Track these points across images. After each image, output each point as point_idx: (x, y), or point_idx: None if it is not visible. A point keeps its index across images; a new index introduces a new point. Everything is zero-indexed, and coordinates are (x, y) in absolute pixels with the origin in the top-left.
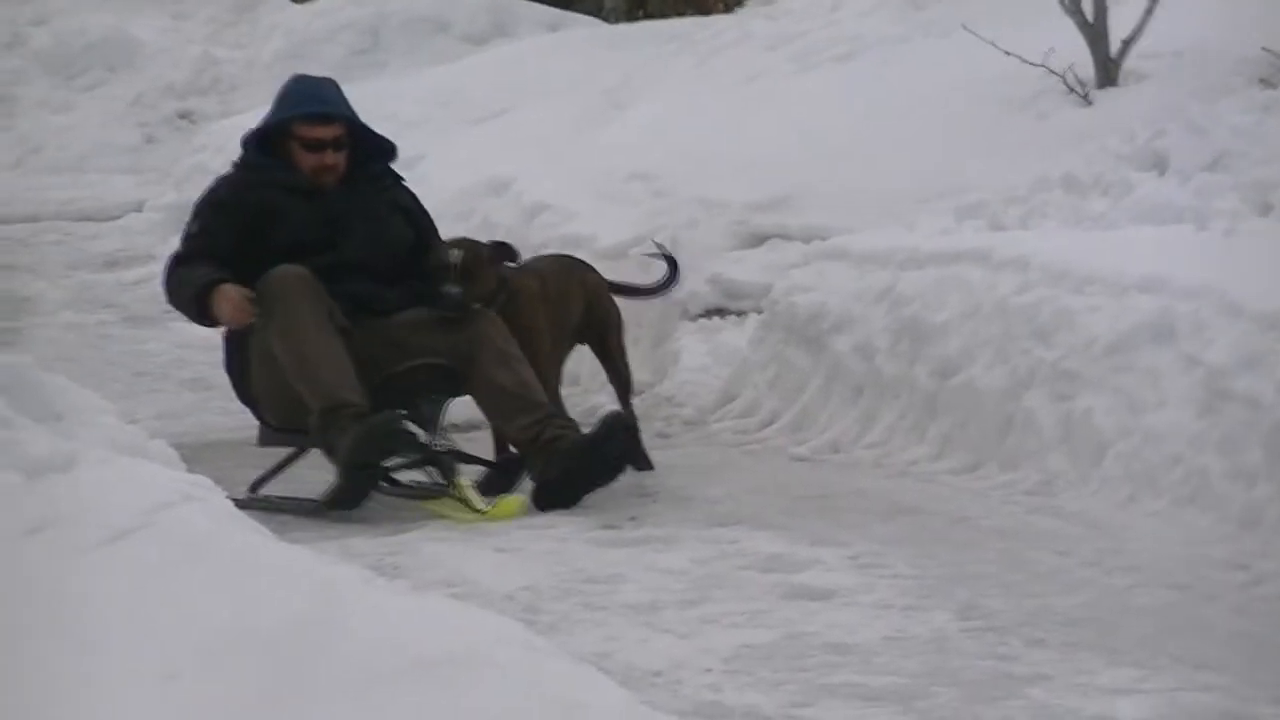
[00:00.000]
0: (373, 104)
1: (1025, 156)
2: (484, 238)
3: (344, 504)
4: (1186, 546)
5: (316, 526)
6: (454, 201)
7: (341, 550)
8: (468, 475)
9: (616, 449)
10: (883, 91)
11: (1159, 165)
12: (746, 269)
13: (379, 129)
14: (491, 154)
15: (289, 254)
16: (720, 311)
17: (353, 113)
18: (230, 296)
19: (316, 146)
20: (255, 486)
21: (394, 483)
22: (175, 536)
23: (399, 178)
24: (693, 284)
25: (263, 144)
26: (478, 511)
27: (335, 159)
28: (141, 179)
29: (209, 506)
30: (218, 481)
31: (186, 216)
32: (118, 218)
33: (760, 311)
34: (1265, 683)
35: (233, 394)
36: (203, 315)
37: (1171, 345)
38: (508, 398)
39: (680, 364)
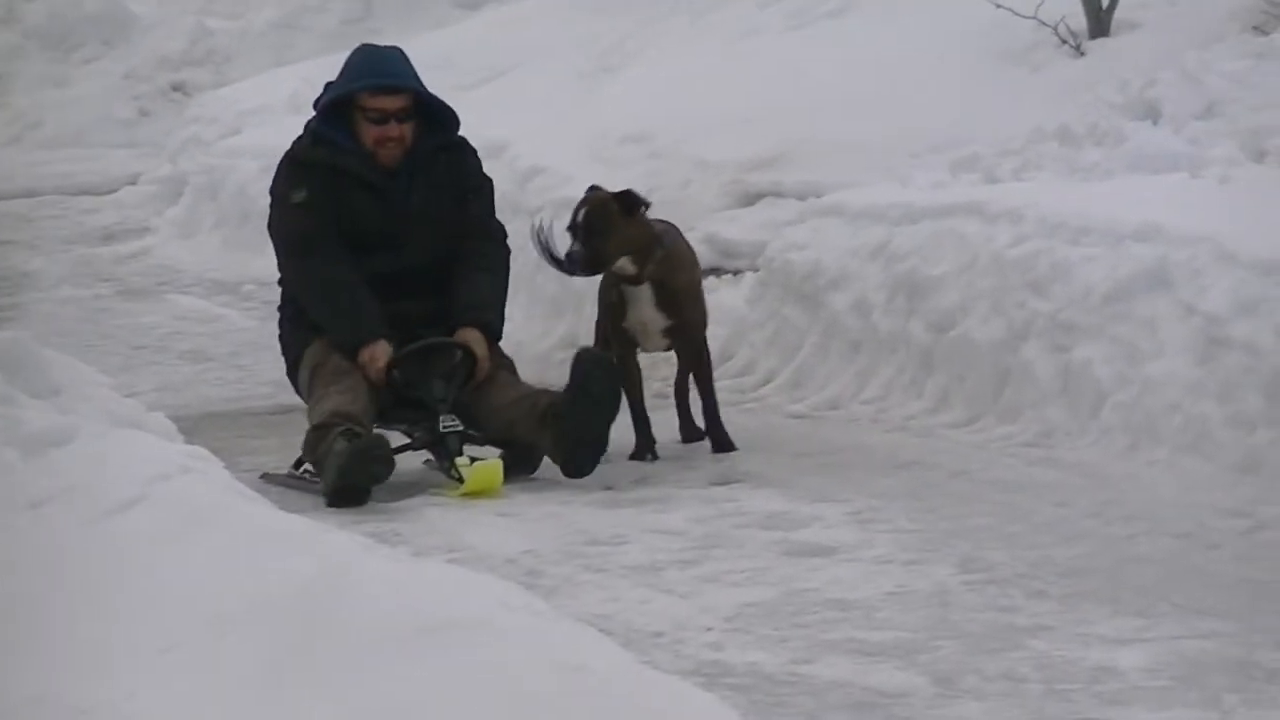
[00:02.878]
0: None
1: (1019, 108)
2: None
3: (339, 505)
4: (1187, 494)
5: (315, 496)
6: None
7: (342, 519)
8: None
9: (598, 384)
10: (875, 47)
11: (1152, 114)
12: (742, 228)
13: None
14: (486, 118)
15: (353, 249)
16: (716, 270)
17: (419, 82)
18: (374, 367)
19: (381, 118)
20: (298, 463)
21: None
22: (175, 508)
23: (463, 149)
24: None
25: (330, 115)
26: (460, 486)
27: (400, 130)
28: (137, 152)
29: (208, 477)
30: (216, 452)
31: (183, 189)
32: (114, 191)
33: (756, 270)
34: (1268, 628)
35: (229, 364)
36: (342, 342)
37: (1168, 293)
38: (509, 408)
39: None
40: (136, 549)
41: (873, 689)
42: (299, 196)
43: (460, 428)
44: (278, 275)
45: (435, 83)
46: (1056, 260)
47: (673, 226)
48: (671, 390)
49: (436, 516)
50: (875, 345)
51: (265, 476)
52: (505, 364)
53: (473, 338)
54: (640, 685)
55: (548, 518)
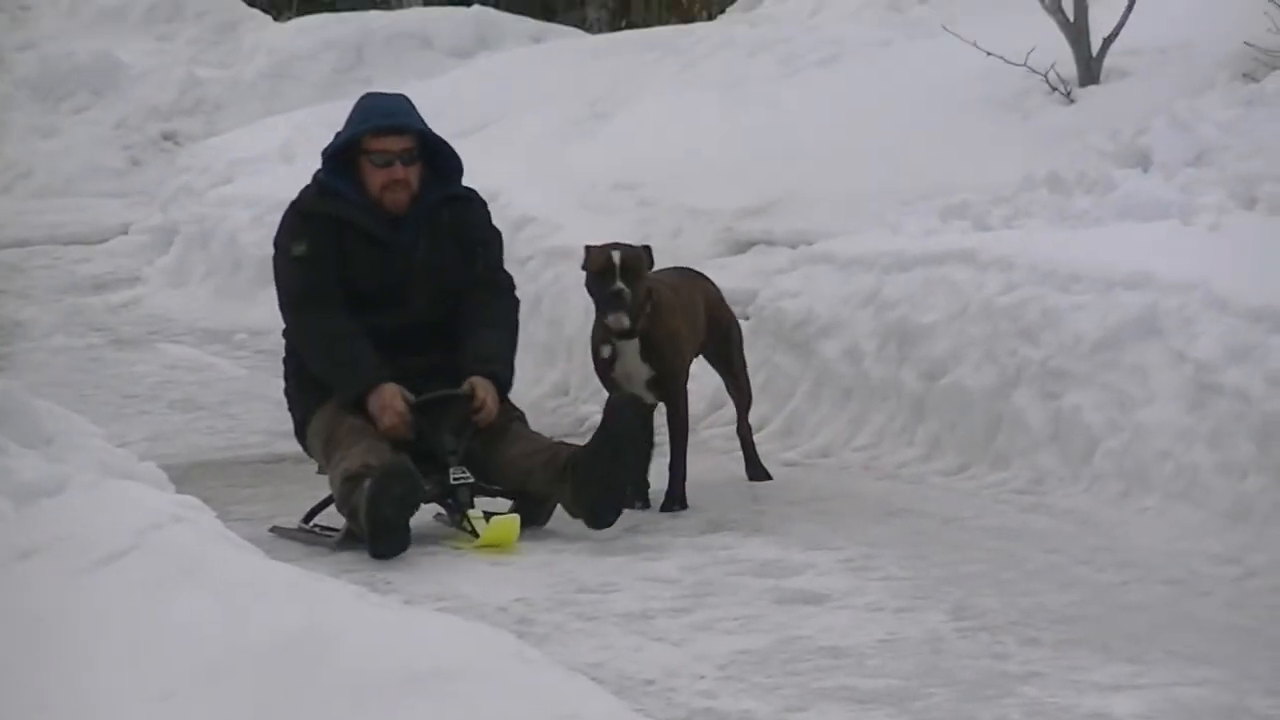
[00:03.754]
0: None
1: (1009, 156)
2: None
3: (381, 556)
4: (1178, 542)
5: (306, 547)
6: None
7: (332, 566)
8: (488, 513)
9: (629, 426)
10: (866, 95)
11: (1143, 162)
12: (733, 275)
13: None
14: (477, 166)
15: (356, 304)
16: None
17: (424, 125)
18: (393, 408)
19: (386, 160)
20: (308, 517)
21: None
22: (166, 557)
23: (470, 200)
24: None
25: (336, 165)
26: (475, 538)
27: (405, 173)
28: (128, 201)
29: (198, 527)
30: (207, 501)
31: (174, 238)
32: (105, 240)
33: (747, 318)
34: (1260, 675)
35: (220, 413)
36: (347, 395)
37: (1159, 341)
38: (523, 459)
39: None
40: (128, 599)
41: None
42: (299, 249)
43: (471, 480)
44: (282, 327)
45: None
46: (1047, 307)
47: (685, 271)
48: (662, 438)
49: (427, 564)
50: (867, 393)
51: (275, 530)
52: (517, 415)
53: (481, 384)
54: None
55: (539, 566)
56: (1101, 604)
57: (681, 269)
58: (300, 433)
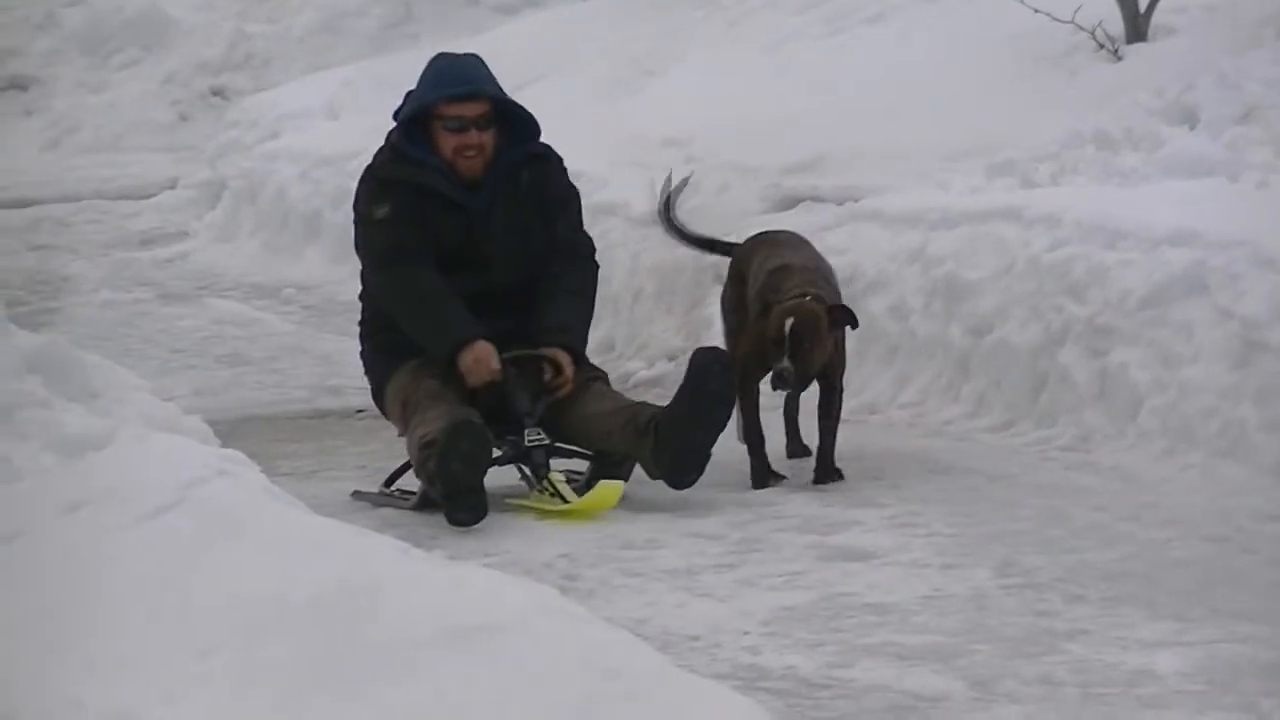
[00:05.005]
0: (407, 78)
1: (1056, 113)
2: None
3: (460, 523)
4: (1223, 499)
5: (352, 502)
6: None
7: (377, 522)
8: (568, 472)
9: (715, 382)
10: (912, 52)
11: (1189, 119)
12: None
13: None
14: None
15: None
16: None
17: (498, 88)
18: (488, 365)
19: (460, 126)
20: (389, 481)
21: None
22: (210, 511)
23: (548, 159)
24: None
25: (409, 129)
26: (566, 504)
27: (480, 139)
28: (176, 157)
29: (243, 481)
30: (253, 456)
31: (222, 193)
32: (153, 195)
33: None
34: None
35: (267, 368)
36: (441, 348)
37: (1205, 298)
38: (603, 418)
39: (714, 328)
40: (173, 553)
41: (909, 693)
42: (382, 212)
43: (546, 441)
44: (359, 291)
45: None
46: (1093, 265)
47: (799, 241)
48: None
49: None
50: (912, 349)
51: (357, 494)
52: (599, 375)
53: (559, 356)
54: (677, 689)
55: (584, 522)
56: (1146, 561)
57: (795, 238)
58: (378, 396)
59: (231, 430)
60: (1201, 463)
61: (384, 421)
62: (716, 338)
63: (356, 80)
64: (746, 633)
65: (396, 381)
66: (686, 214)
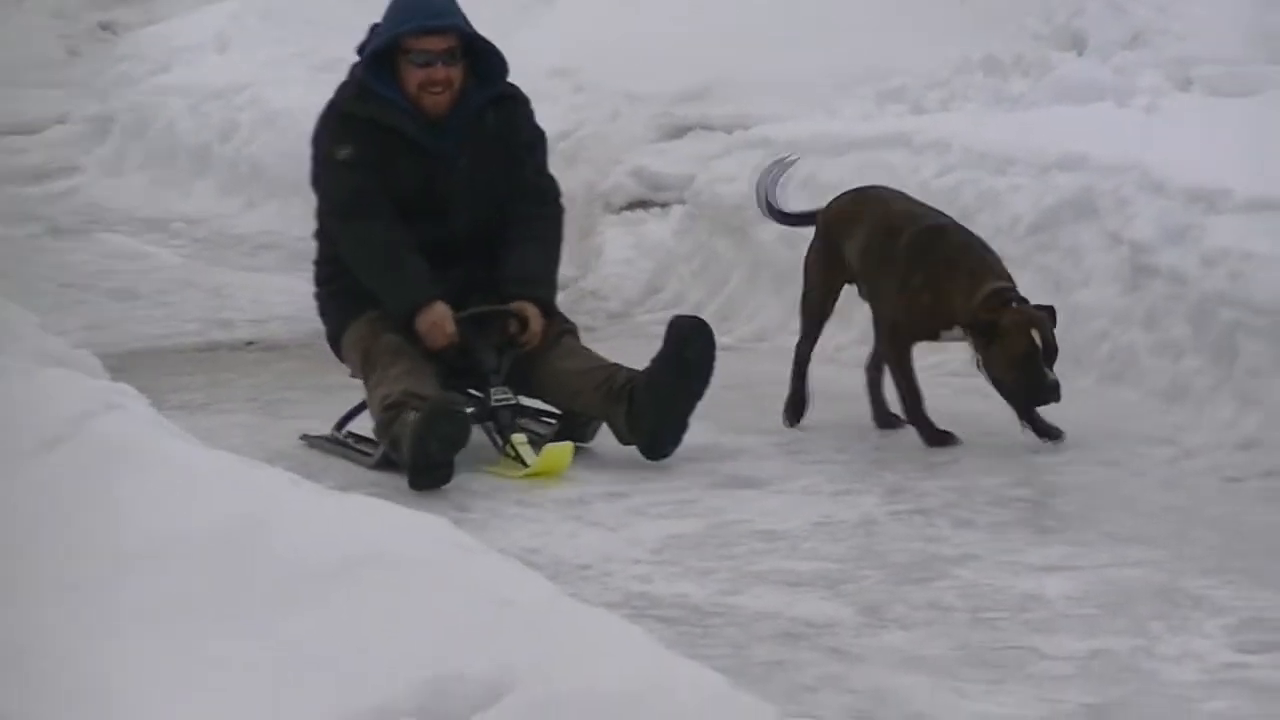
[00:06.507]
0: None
1: (945, 39)
2: None
3: (422, 489)
4: (1114, 422)
5: (243, 434)
6: None
7: (268, 453)
8: (531, 433)
9: (695, 350)
10: None
11: (1078, 44)
12: (669, 160)
13: (306, 30)
14: None
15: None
16: (644, 204)
17: (466, 22)
18: (443, 329)
19: (427, 60)
20: (340, 425)
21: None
22: (101, 445)
23: (515, 100)
24: (615, 177)
25: (375, 65)
26: (526, 467)
27: (447, 74)
28: (66, 92)
29: (133, 414)
30: (143, 390)
31: (111, 127)
32: (43, 130)
33: (684, 203)
34: (1194, 555)
35: (157, 302)
36: (398, 310)
37: (1094, 222)
38: (574, 376)
39: (604, 257)
40: (63, 487)
41: (800, 619)
42: (343, 153)
43: (513, 401)
44: (315, 229)
45: (354, 22)
46: (982, 190)
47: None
48: (598, 323)
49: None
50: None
51: (305, 438)
52: (569, 328)
53: (527, 309)
54: (568, 617)
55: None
56: (1036, 486)
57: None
58: (334, 343)
59: (122, 364)
60: (1092, 386)
61: (275, 353)
62: (609, 265)
63: (244, 13)
64: (637, 561)
65: (354, 331)
66: (576, 141)
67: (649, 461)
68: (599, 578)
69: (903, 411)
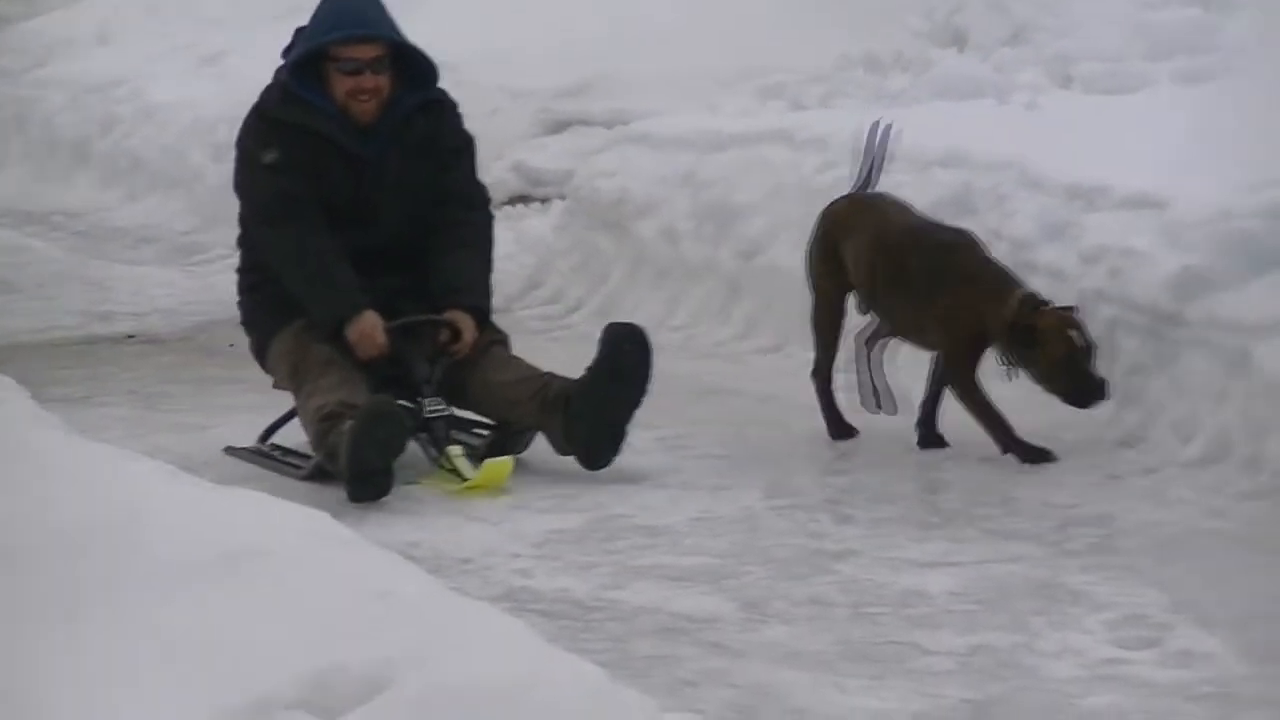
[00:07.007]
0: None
1: (826, 36)
2: None
3: (361, 500)
4: None
5: (122, 428)
6: (255, 97)
7: (148, 446)
8: (466, 445)
9: (630, 358)
10: None
11: (959, 41)
12: (549, 156)
13: (187, 24)
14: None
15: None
16: (524, 199)
17: (396, 30)
18: (373, 340)
19: (355, 68)
20: (265, 436)
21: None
22: None
23: (442, 105)
24: (496, 172)
25: (301, 71)
26: (464, 480)
27: (375, 82)
28: None
29: (12, 407)
30: (23, 383)
31: None
32: None
33: (564, 198)
34: (1074, 551)
35: (36, 295)
36: (326, 320)
37: (974, 219)
38: (508, 387)
39: None
40: None
41: (681, 614)
42: (270, 157)
43: (447, 412)
44: (238, 234)
45: (244, 14)
46: None
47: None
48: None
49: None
50: (683, 272)
51: (230, 450)
52: (499, 339)
53: (460, 319)
54: (449, 610)
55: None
56: (917, 482)
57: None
58: (260, 353)
59: (1, 357)
60: None
61: (156, 347)
62: None
63: (126, 7)
64: (518, 555)
65: (281, 343)
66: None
67: (587, 471)
68: (480, 571)
69: (995, 442)
